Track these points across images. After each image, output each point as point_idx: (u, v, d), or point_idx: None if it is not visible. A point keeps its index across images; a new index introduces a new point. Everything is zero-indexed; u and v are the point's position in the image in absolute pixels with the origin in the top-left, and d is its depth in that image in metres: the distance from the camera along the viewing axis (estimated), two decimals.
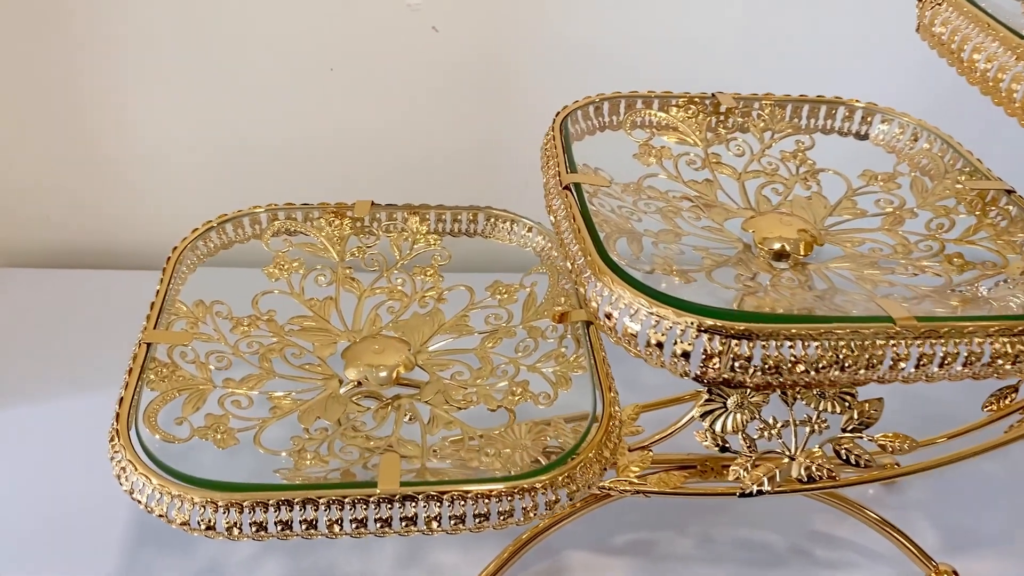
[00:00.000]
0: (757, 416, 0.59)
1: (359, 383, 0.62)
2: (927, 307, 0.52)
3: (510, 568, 0.64)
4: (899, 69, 0.89)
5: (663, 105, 0.70)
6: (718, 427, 0.58)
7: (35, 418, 0.78)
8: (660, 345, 0.47)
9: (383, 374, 0.62)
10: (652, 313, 0.47)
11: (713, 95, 0.71)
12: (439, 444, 0.59)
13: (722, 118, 0.71)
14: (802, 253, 0.61)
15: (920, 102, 0.76)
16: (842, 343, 0.47)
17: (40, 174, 0.97)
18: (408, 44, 0.90)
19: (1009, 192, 0.65)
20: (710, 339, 0.46)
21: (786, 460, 0.58)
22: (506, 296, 0.69)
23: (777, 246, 0.61)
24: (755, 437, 0.58)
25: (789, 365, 0.47)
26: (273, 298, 0.68)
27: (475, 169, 0.97)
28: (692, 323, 0.46)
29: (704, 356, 0.46)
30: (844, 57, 0.91)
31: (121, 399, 0.55)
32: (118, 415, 0.54)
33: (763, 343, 0.46)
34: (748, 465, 0.58)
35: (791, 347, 0.47)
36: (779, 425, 0.58)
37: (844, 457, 0.59)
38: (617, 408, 0.57)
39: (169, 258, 0.66)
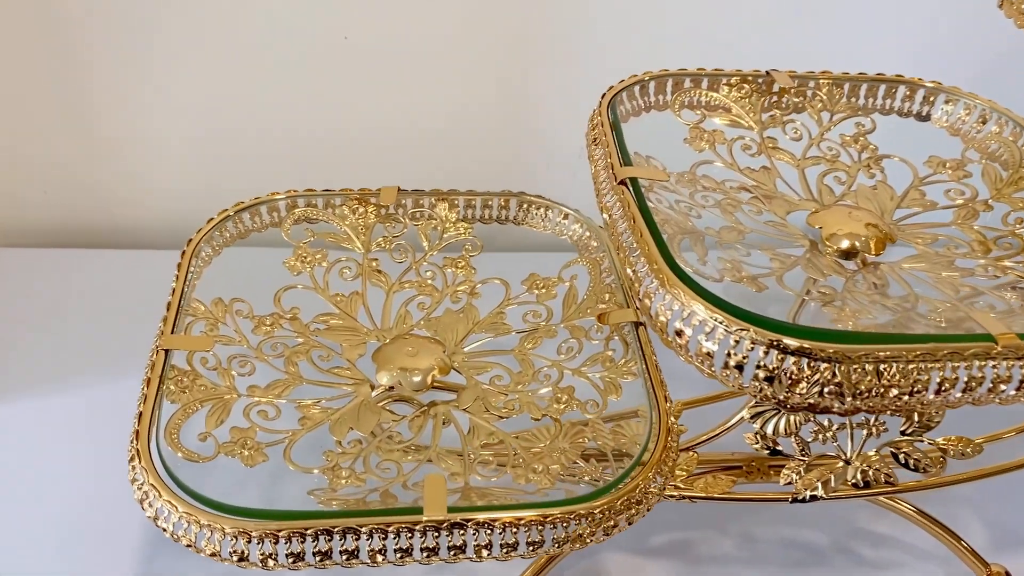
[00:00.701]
0: (812, 418, 0.56)
1: (391, 387, 0.58)
2: (1021, 320, 0.48)
3: (547, 574, 0.62)
4: (942, 46, 0.84)
5: (713, 84, 0.65)
6: (769, 429, 0.55)
7: (36, 409, 0.74)
8: (740, 368, 0.43)
9: (417, 379, 0.58)
10: (730, 332, 0.43)
11: (767, 73, 0.66)
12: (475, 451, 0.55)
13: (775, 98, 0.66)
14: (873, 251, 0.57)
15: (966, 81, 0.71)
16: (937, 365, 0.43)
17: (42, 153, 0.91)
18: (427, 11, 0.84)
19: None
20: (796, 362, 0.42)
21: (840, 464, 0.55)
22: (544, 291, 0.65)
23: (846, 244, 0.57)
24: (808, 440, 0.55)
25: (882, 390, 0.43)
26: (296, 293, 0.63)
27: (498, 149, 0.92)
28: (776, 343, 0.42)
29: (790, 380, 0.42)
30: (892, 36, 0.86)
31: (140, 414, 0.51)
32: (138, 433, 0.50)
33: (855, 367, 0.42)
34: (800, 469, 0.55)
35: (886, 369, 0.43)
36: (835, 427, 0.55)
37: (903, 461, 0.56)
38: (674, 420, 0.53)
39: (184, 252, 0.61)
